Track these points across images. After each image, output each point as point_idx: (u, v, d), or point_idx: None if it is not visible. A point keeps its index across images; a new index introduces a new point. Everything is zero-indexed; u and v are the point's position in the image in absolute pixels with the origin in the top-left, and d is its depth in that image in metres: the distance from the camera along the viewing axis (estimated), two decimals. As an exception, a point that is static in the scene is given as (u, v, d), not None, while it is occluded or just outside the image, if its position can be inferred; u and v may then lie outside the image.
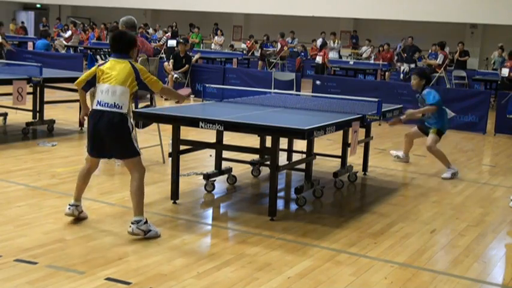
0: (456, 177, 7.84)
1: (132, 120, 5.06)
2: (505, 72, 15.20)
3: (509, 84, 15.00)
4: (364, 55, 23.08)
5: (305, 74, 20.45)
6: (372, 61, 21.77)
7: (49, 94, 9.80)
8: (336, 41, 22.30)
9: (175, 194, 6.03)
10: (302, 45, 24.63)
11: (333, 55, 21.29)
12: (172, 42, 19.84)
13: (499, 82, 15.70)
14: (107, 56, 8.63)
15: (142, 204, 4.96)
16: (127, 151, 4.98)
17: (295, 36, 24.00)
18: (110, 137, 4.93)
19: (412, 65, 19.41)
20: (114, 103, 4.89)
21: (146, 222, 4.93)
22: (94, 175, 5.52)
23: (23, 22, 30.38)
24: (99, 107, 4.93)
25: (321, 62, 17.81)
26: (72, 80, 9.92)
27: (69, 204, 5.25)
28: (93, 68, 5.08)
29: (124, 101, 4.92)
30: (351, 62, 20.32)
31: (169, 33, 22.64)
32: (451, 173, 7.85)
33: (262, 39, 23.02)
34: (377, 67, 19.31)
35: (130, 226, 4.91)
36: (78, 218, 5.27)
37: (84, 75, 5.18)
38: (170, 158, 6.11)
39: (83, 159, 7.65)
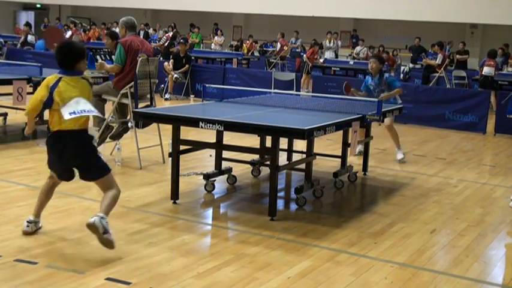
0: (405, 160, 8.64)
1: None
2: (490, 71, 15.19)
3: (491, 82, 14.99)
4: (361, 55, 23.02)
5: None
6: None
7: (49, 94, 9.79)
8: (332, 41, 22.07)
9: (175, 194, 6.03)
10: (302, 45, 24.55)
11: (329, 55, 21.24)
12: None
13: (479, 80, 15.65)
14: (107, 56, 8.62)
15: (110, 209, 4.63)
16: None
17: (299, 37, 23.57)
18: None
19: (417, 66, 19.41)
20: None
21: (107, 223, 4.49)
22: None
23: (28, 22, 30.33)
24: None
25: (304, 60, 17.92)
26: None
27: (28, 221, 4.85)
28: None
29: None
30: (351, 62, 20.28)
31: (169, 34, 22.60)
32: (403, 153, 8.65)
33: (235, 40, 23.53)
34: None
35: (93, 217, 4.44)
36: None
37: None
38: (170, 158, 6.11)
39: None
